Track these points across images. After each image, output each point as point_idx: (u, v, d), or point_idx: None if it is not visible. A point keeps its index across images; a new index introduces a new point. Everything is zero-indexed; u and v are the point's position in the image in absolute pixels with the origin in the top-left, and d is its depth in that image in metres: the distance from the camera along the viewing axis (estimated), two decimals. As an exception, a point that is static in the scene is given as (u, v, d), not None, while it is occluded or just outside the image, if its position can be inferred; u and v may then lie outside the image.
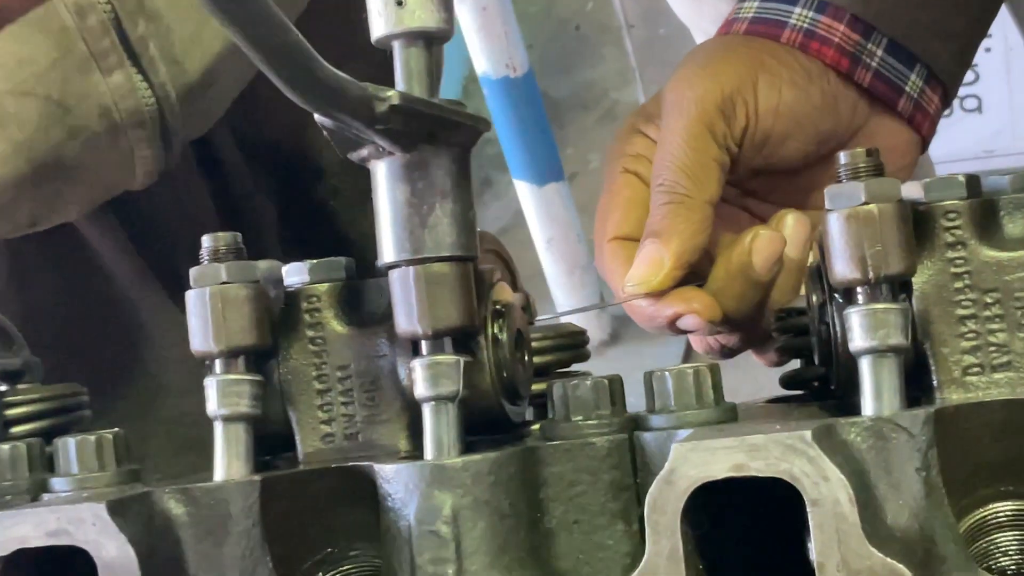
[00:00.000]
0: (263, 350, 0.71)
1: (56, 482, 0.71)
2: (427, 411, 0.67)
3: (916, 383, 0.65)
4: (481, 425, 0.71)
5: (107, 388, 1.21)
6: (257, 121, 1.25)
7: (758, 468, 0.57)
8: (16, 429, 0.81)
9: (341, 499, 0.69)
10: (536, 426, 0.76)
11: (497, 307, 0.71)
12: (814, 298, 0.69)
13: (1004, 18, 1.20)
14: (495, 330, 0.70)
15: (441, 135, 0.67)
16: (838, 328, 0.66)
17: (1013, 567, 0.63)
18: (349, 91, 0.59)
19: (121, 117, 1.02)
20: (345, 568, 0.69)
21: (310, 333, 0.72)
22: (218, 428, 0.69)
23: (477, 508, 0.64)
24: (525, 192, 2.87)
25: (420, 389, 0.67)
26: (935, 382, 0.64)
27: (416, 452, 0.69)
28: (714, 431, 0.63)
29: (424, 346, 0.68)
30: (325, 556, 0.69)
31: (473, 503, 0.64)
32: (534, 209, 2.87)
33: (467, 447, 0.67)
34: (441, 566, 0.63)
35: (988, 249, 0.64)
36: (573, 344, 0.79)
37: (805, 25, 0.89)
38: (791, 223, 0.83)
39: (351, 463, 0.69)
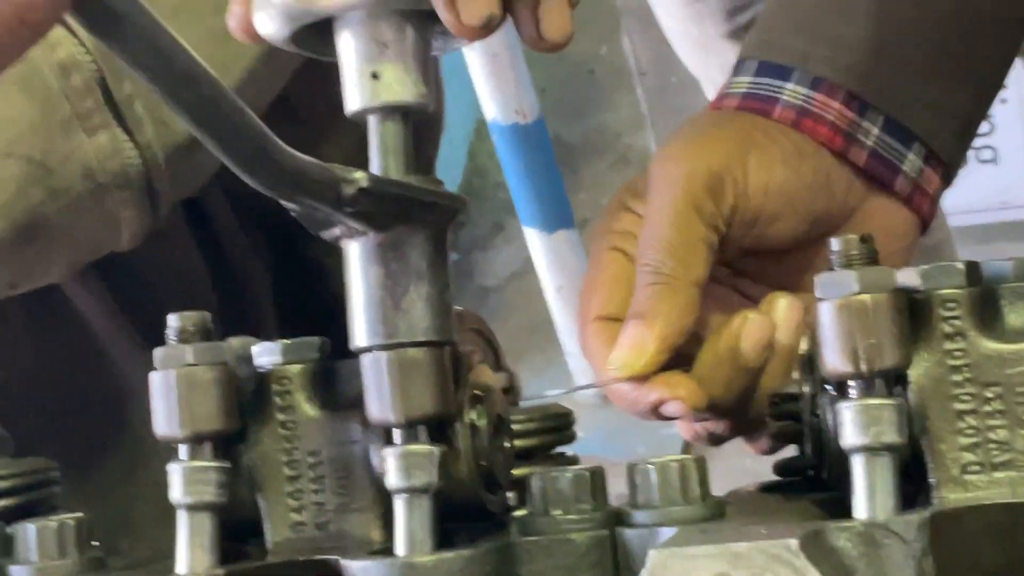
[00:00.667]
0: (231, 434, 0.68)
1: (15, 571, 0.68)
2: (399, 504, 0.64)
3: (913, 479, 0.62)
4: (458, 513, 0.68)
5: (92, 451, 1.18)
6: (293, 118, 1.22)
7: (741, 578, 0.54)
8: (-18, 506, 0.79)
9: (309, 594, 0.66)
10: (519, 511, 0.73)
11: (476, 392, 0.68)
12: (806, 388, 0.66)
13: (1020, 70, 1.17)
14: (473, 417, 0.67)
15: (416, 215, 0.64)
16: (830, 421, 0.63)
17: None
18: (312, 174, 0.56)
19: (105, 178, 0.99)
20: (313, 666, 0.66)
21: (281, 417, 0.69)
22: (182, 517, 0.67)
23: (449, 609, 0.61)
24: (535, 239, 2.85)
25: (392, 480, 0.64)
26: (932, 480, 0.61)
27: (390, 543, 0.66)
28: (697, 531, 0.59)
29: (397, 435, 0.65)
30: (292, 653, 0.66)
31: (445, 604, 0.61)
32: (544, 256, 2.84)
33: (443, 539, 0.64)
34: (409, 671, 0.60)
35: (989, 341, 0.61)
36: (558, 427, 0.76)
37: (798, 102, 0.86)
38: (782, 307, 0.80)
39: (319, 556, 0.65)
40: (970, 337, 0.61)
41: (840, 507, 0.65)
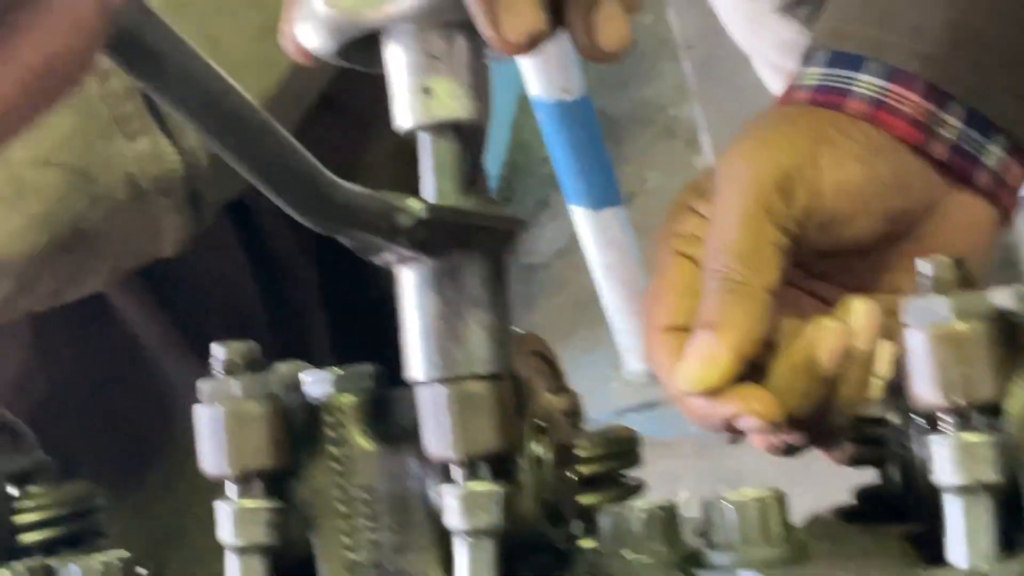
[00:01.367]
0: (281, 470, 0.65)
1: (59, 613, 0.66)
2: (461, 546, 0.60)
3: (1010, 519, 0.58)
4: (521, 548, 0.64)
5: (138, 459, 1.15)
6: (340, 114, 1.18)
7: (832, 636, 0.50)
8: (25, 537, 0.76)
9: (367, 640, 0.62)
10: (585, 543, 0.69)
11: (538, 422, 0.64)
12: (892, 417, 0.62)
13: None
14: (537, 449, 0.64)
15: (473, 239, 0.60)
16: (919, 455, 0.59)
17: None
18: (365, 206, 0.53)
19: (147, 184, 0.96)
20: None
21: (333, 451, 0.65)
22: (232, 561, 0.63)
23: (515, 662, 0.57)
24: (581, 217, 2.80)
25: (454, 520, 0.60)
26: (1033, 519, 0.57)
27: (450, 585, 0.62)
28: (781, 574, 0.56)
29: (457, 471, 0.61)
30: None
31: (511, 657, 0.57)
32: (591, 234, 2.80)
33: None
34: None
35: (1095, 368, 0.57)
36: (624, 451, 0.72)
37: (873, 94, 0.82)
38: (859, 312, 0.76)
39: (378, 601, 0.62)
40: (1074, 364, 0.57)
41: (930, 542, 0.61)
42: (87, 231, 0.96)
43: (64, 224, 0.95)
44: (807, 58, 0.87)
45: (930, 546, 0.61)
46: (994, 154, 0.82)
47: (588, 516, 0.67)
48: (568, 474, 0.66)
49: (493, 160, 3.64)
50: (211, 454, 0.63)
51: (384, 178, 1.18)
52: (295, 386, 0.67)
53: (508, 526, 0.61)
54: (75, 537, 0.76)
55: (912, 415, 0.59)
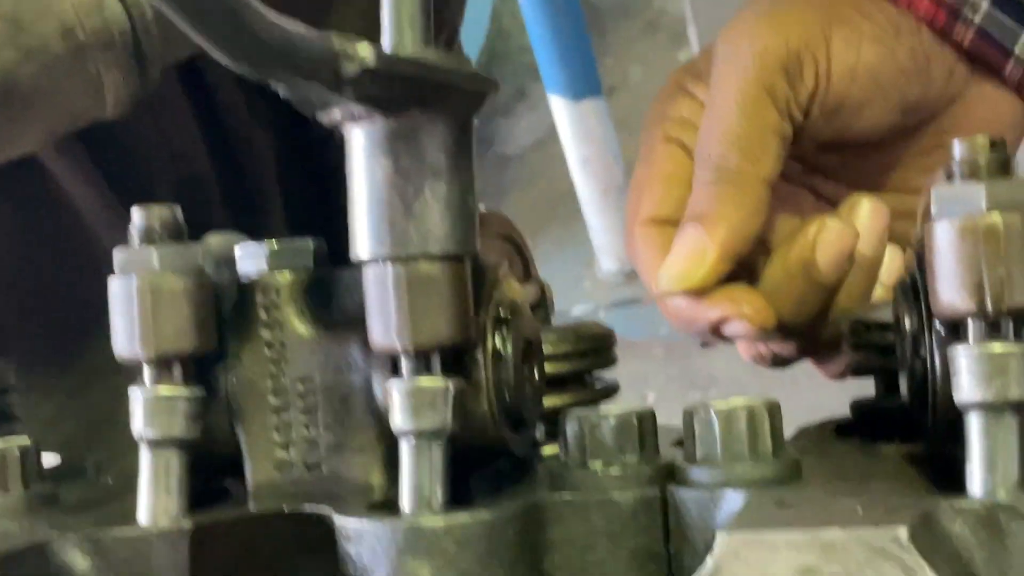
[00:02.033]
0: (206, 355, 0.57)
1: (-54, 504, 0.58)
2: (406, 449, 0.53)
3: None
4: (477, 454, 0.56)
5: (74, 337, 1.07)
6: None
7: (834, 574, 0.43)
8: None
9: (294, 550, 0.55)
10: (549, 449, 0.62)
11: (501, 313, 0.56)
12: (906, 322, 0.54)
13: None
14: (497, 343, 0.56)
15: (434, 99, 0.52)
16: (938, 367, 0.51)
17: None
18: (303, 47, 0.44)
19: (86, 37, 0.87)
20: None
21: (266, 335, 0.57)
22: (145, 455, 0.55)
23: (462, 583, 0.50)
24: (560, 107, 2.71)
25: (398, 420, 0.53)
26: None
27: (392, 491, 0.55)
28: (773, 503, 0.48)
29: (405, 364, 0.53)
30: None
31: (458, 577, 0.50)
32: (569, 126, 2.71)
33: (457, 486, 0.53)
34: (413, 657, 0.49)
35: None
36: (596, 349, 0.64)
37: None
38: (866, 212, 0.68)
39: (307, 509, 0.54)
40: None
41: (935, 466, 0.54)
42: (18, 85, 0.87)
43: (-8, 78, 0.86)
44: None
45: (935, 470, 0.53)
46: None
47: (554, 420, 0.60)
48: (532, 372, 0.58)
49: (471, 46, 3.53)
50: (123, 333, 0.55)
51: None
52: (228, 259, 0.59)
53: (459, 428, 0.53)
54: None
55: (931, 320, 0.51)
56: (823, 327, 0.68)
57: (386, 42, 0.53)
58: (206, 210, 1.09)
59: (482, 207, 0.61)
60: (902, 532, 0.43)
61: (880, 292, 0.71)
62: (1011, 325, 0.48)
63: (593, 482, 0.53)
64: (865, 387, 0.65)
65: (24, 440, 0.60)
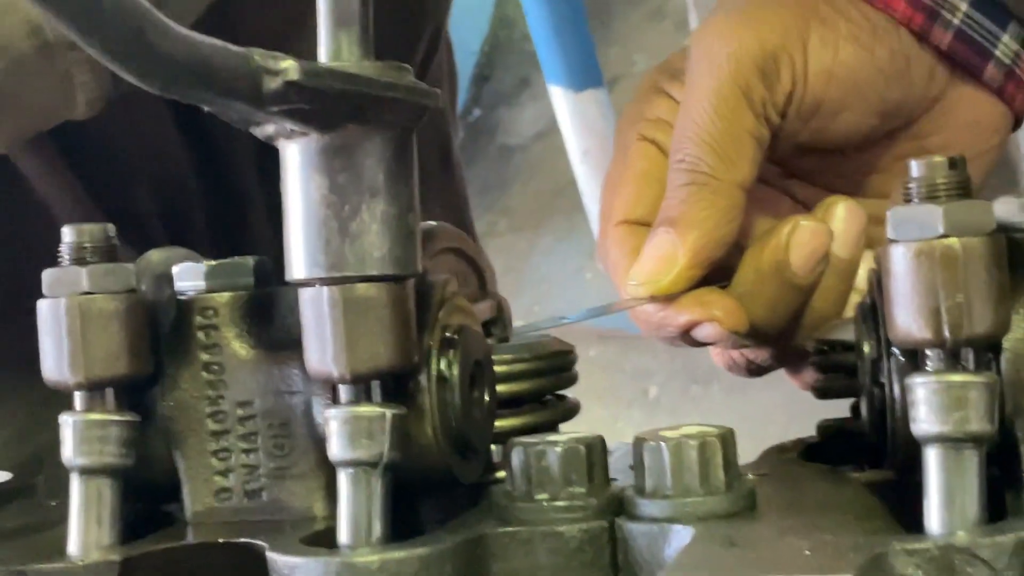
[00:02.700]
0: (140, 379, 0.54)
1: None
2: (343, 479, 0.50)
3: (1002, 475, 0.48)
4: (423, 482, 0.54)
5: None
6: (233, 35, 1.07)
7: (776, 621, 0.40)
8: None
9: (230, 583, 0.53)
10: (502, 474, 0.60)
11: (447, 334, 0.54)
12: (865, 347, 0.52)
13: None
14: (442, 366, 0.53)
15: (371, 113, 0.49)
16: (897, 396, 0.49)
17: None
18: (219, 65, 0.42)
19: (54, 35, 0.84)
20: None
21: (204, 357, 0.55)
22: (75, 483, 0.53)
23: (398, 622, 0.48)
24: (560, 98, 2.68)
25: (334, 449, 0.50)
26: (1029, 478, 0.47)
27: (335, 520, 0.52)
28: (720, 541, 0.46)
29: (342, 392, 0.51)
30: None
31: (393, 616, 0.48)
32: (569, 117, 2.68)
33: (403, 517, 0.51)
34: None
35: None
36: (554, 368, 0.62)
37: None
38: (842, 214, 0.65)
39: (242, 539, 0.52)
40: (1087, 294, 0.46)
41: (901, 495, 0.51)
42: (-20, 87, 0.85)
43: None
44: None
45: (900, 500, 0.51)
46: (1006, 45, 0.71)
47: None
48: (482, 395, 0.56)
49: (474, 35, 3.50)
50: (52, 357, 0.53)
51: None
52: (169, 278, 0.57)
53: (403, 456, 0.51)
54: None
55: (889, 346, 0.49)
56: (797, 333, 0.66)
57: (322, 54, 0.51)
58: (187, 212, 1.07)
59: (432, 221, 0.59)
60: (848, 579, 0.40)
61: (856, 299, 0.68)
62: (972, 355, 0.46)
63: (539, 514, 0.51)
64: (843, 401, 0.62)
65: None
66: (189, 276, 0.56)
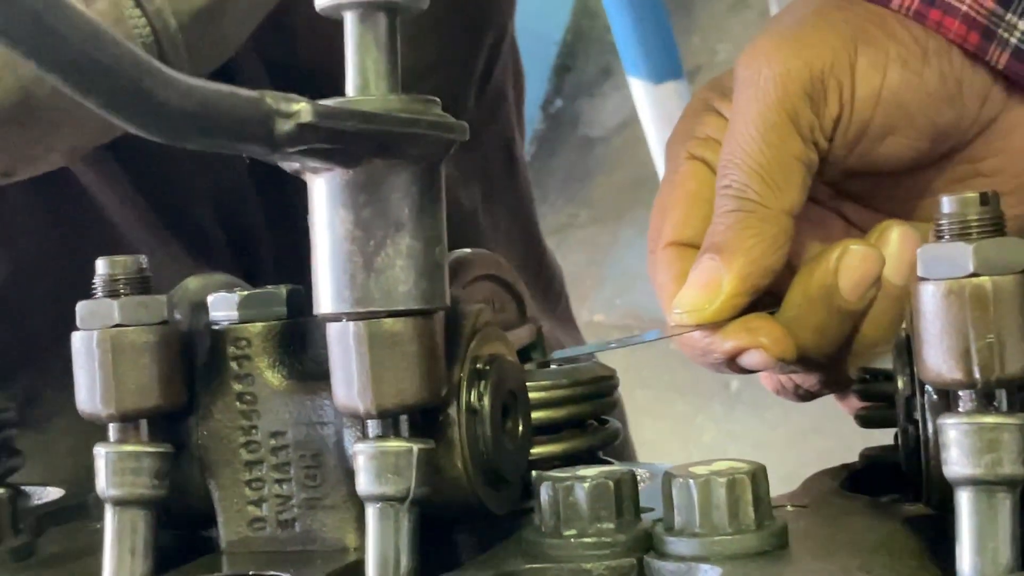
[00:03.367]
0: (174, 409, 0.55)
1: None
2: (370, 513, 0.50)
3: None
4: (455, 514, 0.54)
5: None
6: (290, 46, 1.07)
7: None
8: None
9: (261, 616, 0.53)
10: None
11: (479, 365, 0.54)
12: (899, 383, 0.50)
13: None
14: (472, 398, 0.53)
15: (396, 148, 0.49)
16: (931, 434, 0.48)
17: None
18: (228, 111, 0.41)
19: None
20: None
21: (238, 387, 0.55)
22: (109, 515, 0.54)
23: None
24: (639, 90, 2.67)
25: (362, 484, 0.50)
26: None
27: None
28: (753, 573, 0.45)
29: (370, 426, 0.51)
30: None
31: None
32: (649, 109, 2.67)
33: (434, 546, 0.51)
34: None
35: None
36: (593, 394, 0.61)
37: None
38: (895, 238, 0.64)
39: (270, 572, 0.52)
40: None
41: (941, 532, 0.50)
42: (36, 103, 0.85)
43: (12, 97, 0.84)
44: None
45: (937, 532, 0.50)
46: None
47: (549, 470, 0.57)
48: (516, 425, 0.56)
49: (555, 26, 3.49)
50: (85, 390, 0.53)
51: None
52: (204, 307, 0.57)
53: (433, 489, 0.50)
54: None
55: (923, 383, 0.48)
56: (847, 359, 0.65)
57: (350, 87, 0.51)
58: (248, 225, 1.07)
59: (467, 249, 0.59)
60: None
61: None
62: (1004, 395, 0.45)
63: (567, 551, 0.50)
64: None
65: (9, 490, 0.58)
66: (223, 306, 0.56)
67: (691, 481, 0.49)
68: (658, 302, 0.70)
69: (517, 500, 0.57)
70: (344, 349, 0.50)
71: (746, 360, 0.64)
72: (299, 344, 0.56)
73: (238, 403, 0.55)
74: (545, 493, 0.51)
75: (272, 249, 1.07)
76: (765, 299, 0.66)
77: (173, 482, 0.55)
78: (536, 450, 0.59)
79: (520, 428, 0.56)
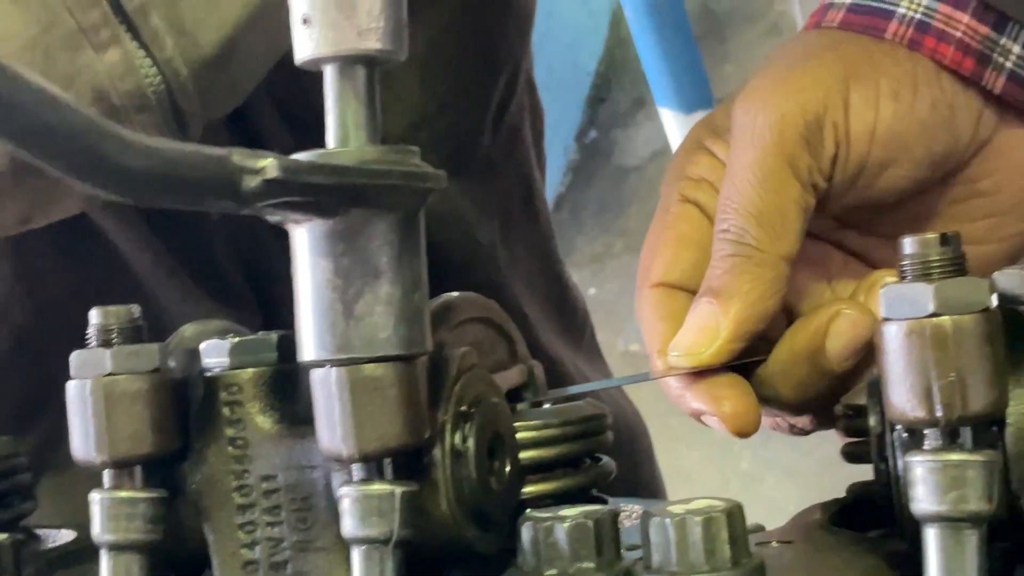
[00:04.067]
0: (167, 455, 0.56)
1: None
2: (355, 556, 0.51)
3: (1014, 549, 0.47)
4: (442, 555, 0.55)
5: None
6: (302, 87, 1.09)
7: None
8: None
9: (253, 657, 0.54)
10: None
11: (463, 408, 0.55)
12: (871, 421, 0.51)
13: None
14: (456, 440, 0.54)
15: (371, 198, 0.50)
16: (901, 472, 0.48)
17: None
18: (191, 170, 0.43)
19: (120, 100, 0.87)
20: None
21: (230, 432, 0.57)
22: (104, 559, 0.55)
23: None
24: (670, 120, 2.68)
25: (347, 527, 0.51)
26: (1035, 554, 0.47)
27: (357, 593, 0.53)
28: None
29: (354, 470, 0.52)
30: None
31: None
32: (680, 138, 2.67)
33: (422, 588, 0.52)
34: None
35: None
36: (584, 433, 0.62)
37: (918, 16, 0.69)
38: None
39: (261, 616, 0.53)
40: (1091, 368, 0.46)
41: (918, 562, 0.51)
42: (52, 152, 0.87)
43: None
44: None
45: (918, 569, 0.51)
46: None
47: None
48: (502, 466, 0.56)
49: (589, 55, 3.51)
50: (80, 437, 0.55)
51: (389, 118, 1.09)
52: (199, 354, 0.58)
53: (417, 531, 0.51)
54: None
55: (894, 425, 0.49)
56: (836, 403, 0.65)
57: (330, 137, 0.52)
58: (267, 264, 1.09)
59: (454, 293, 0.60)
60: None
61: None
62: (969, 433, 0.45)
63: (547, 590, 0.51)
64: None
65: (16, 536, 0.60)
66: (215, 353, 0.57)
67: (667, 520, 0.49)
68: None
69: (507, 540, 0.57)
70: (327, 395, 0.51)
71: (708, 421, 0.66)
72: (289, 389, 0.57)
73: (230, 448, 0.56)
74: (526, 533, 0.52)
75: (291, 289, 1.09)
76: (761, 344, 0.67)
77: (168, 527, 0.56)
78: (528, 489, 0.60)
79: (507, 469, 0.57)
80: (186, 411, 0.57)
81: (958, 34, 0.69)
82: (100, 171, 0.40)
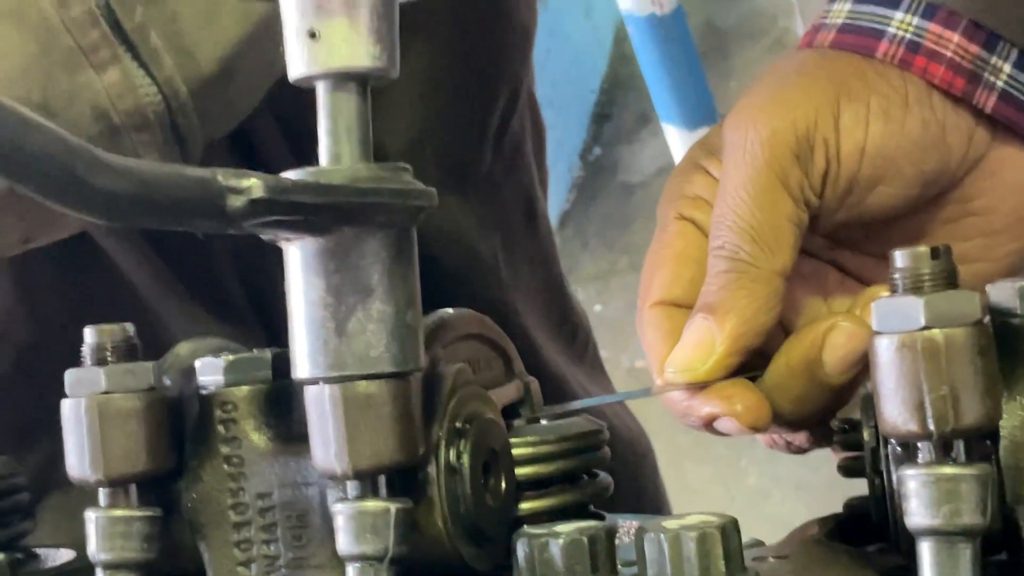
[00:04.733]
0: (162, 473, 0.56)
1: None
2: (351, 573, 0.51)
3: (1009, 561, 0.47)
4: (438, 572, 0.55)
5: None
6: (303, 107, 1.09)
7: None
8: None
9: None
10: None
11: (457, 424, 0.55)
12: (865, 434, 0.51)
13: None
14: (451, 457, 0.54)
15: (361, 216, 0.50)
16: (896, 486, 0.48)
17: None
18: (170, 191, 0.43)
19: (120, 119, 0.87)
20: None
21: (225, 450, 0.57)
22: (100, 577, 0.55)
23: None
24: (674, 137, 2.68)
25: (341, 544, 0.51)
26: (1028, 565, 0.46)
27: (353, 610, 0.53)
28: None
29: (349, 487, 0.52)
30: None
31: None
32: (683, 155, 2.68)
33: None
34: None
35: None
36: (581, 449, 0.62)
37: (908, 35, 0.69)
38: None
39: (256, 635, 0.53)
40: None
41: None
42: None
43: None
44: None
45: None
46: None
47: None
48: (498, 482, 0.56)
49: (592, 72, 3.51)
50: (75, 455, 0.55)
51: (391, 137, 1.09)
52: (194, 372, 0.58)
53: (412, 548, 0.51)
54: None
55: (888, 439, 0.49)
56: (829, 421, 0.65)
57: (323, 154, 0.52)
58: (268, 281, 1.09)
59: (448, 309, 0.60)
60: None
61: None
62: (962, 446, 0.45)
63: (541, 607, 0.51)
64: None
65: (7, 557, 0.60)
66: (209, 371, 0.57)
67: (662, 535, 0.49)
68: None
69: (502, 556, 0.57)
70: (320, 412, 0.51)
71: (720, 425, 0.65)
72: (284, 406, 0.57)
73: (225, 466, 0.56)
74: (521, 549, 0.52)
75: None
76: (756, 360, 0.67)
77: (164, 545, 0.56)
78: (525, 505, 0.60)
79: (503, 485, 0.57)
80: (181, 429, 0.57)
81: (948, 53, 0.69)
82: (75, 194, 0.40)
